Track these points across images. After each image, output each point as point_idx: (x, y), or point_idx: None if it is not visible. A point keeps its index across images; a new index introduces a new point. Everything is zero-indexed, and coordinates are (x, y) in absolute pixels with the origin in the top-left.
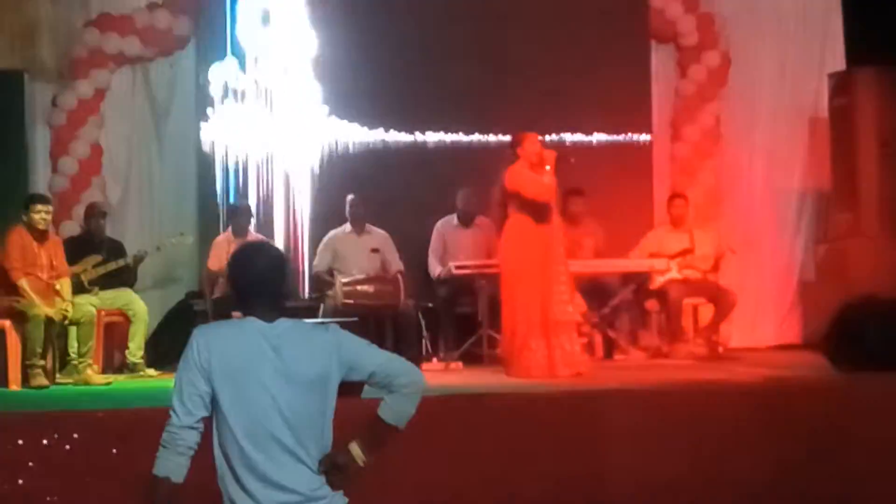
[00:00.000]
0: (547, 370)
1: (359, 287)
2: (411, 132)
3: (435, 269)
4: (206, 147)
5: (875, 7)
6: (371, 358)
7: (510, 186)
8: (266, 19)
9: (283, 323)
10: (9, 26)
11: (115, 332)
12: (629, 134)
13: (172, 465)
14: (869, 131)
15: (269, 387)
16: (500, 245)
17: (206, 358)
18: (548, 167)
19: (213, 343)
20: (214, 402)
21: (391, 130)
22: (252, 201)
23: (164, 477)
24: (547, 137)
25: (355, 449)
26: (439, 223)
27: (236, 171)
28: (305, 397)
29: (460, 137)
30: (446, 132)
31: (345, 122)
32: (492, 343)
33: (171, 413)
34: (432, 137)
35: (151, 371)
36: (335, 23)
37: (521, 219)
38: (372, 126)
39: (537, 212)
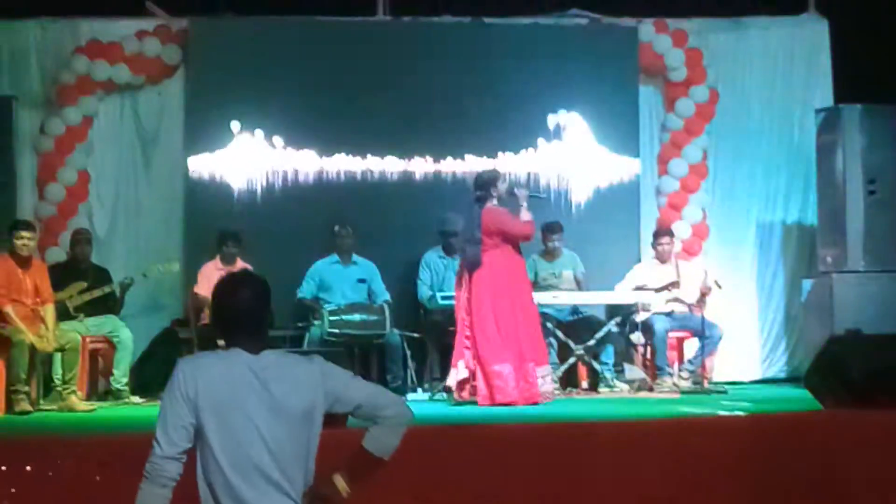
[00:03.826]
0: (520, 397)
1: (345, 316)
2: (399, 160)
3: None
4: (193, 175)
5: (863, 44)
6: (357, 390)
7: (492, 226)
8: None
9: (269, 355)
10: None
11: (99, 358)
12: (616, 167)
13: (154, 497)
14: (855, 167)
15: (254, 419)
16: (481, 277)
17: (192, 389)
18: (524, 204)
19: (199, 374)
20: (199, 434)
21: (375, 157)
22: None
23: None
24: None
25: (339, 480)
26: (427, 254)
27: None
28: (291, 430)
29: (448, 165)
30: (434, 160)
31: (329, 150)
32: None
33: (155, 444)
34: (421, 166)
35: (136, 398)
36: (327, 52)
37: (499, 253)
38: (358, 154)
39: (517, 246)
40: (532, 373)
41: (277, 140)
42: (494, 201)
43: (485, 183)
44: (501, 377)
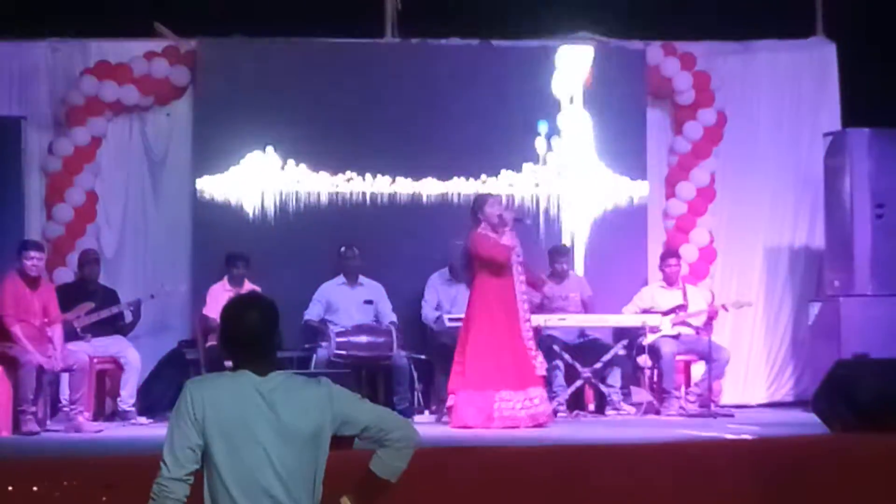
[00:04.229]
0: (516, 420)
1: (351, 338)
2: (406, 180)
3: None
4: (201, 196)
5: (871, 68)
6: (364, 413)
7: (472, 250)
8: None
9: (276, 377)
10: (7, 73)
11: (107, 379)
12: (624, 189)
13: None
14: (863, 191)
15: (262, 441)
16: (469, 302)
17: (200, 411)
18: (506, 228)
19: (206, 396)
20: (206, 455)
21: (383, 179)
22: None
23: None
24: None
25: (347, 503)
26: (433, 276)
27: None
28: (298, 452)
29: (455, 187)
30: (442, 181)
31: (337, 171)
32: None
33: (162, 465)
34: (428, 187)
35: (143, 419)
36: (332, 77)
37: (484, 278)
38: (367, 175)
39: (498, 270)
40: (492, 398)
41: (285, 161)
42: (484, 224)
43: (473, 208)
44: (459, 402)
